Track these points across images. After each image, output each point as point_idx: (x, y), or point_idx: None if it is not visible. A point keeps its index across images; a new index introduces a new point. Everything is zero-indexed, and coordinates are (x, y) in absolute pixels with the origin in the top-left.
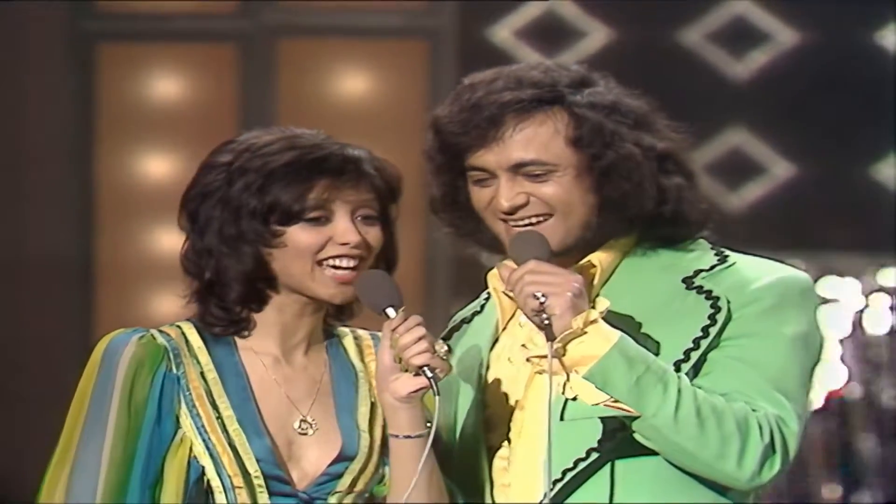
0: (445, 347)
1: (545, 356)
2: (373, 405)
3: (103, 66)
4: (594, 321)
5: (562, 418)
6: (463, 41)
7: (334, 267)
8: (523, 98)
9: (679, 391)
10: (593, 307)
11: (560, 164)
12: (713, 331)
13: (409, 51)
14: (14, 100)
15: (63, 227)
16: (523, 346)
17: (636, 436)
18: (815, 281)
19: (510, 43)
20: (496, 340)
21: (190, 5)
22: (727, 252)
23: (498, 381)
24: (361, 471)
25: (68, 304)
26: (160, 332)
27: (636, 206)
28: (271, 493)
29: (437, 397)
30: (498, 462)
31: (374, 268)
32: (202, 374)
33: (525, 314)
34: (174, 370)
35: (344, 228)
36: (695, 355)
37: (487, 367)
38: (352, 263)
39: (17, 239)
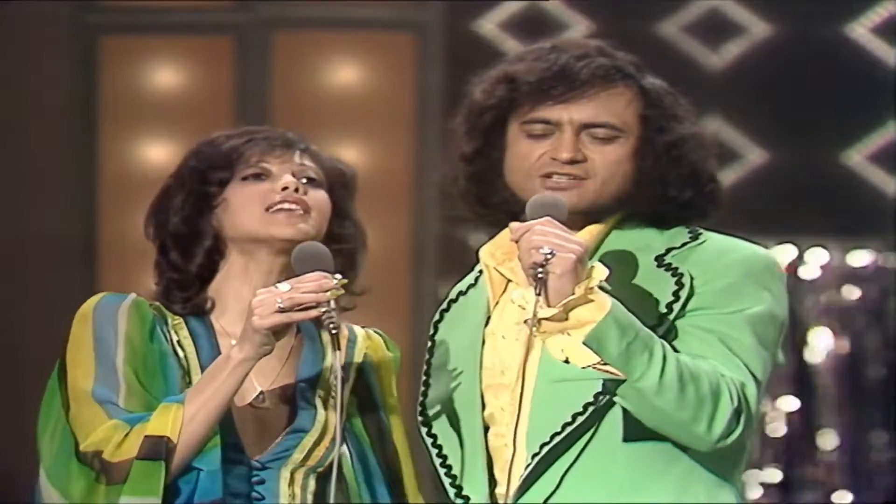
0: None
1: (543, 318)
2: (330, 386)
3: (105, 57)
4: (592, 288)
5: (553, 379)
6: (450, 33)
7: (282, 210)
8: (610, 66)
9: (664, 356)
10: (590, 275)
11: (626, 132)
12: (676, 307)
13: (399, 43)
14: (19, 90)
15: (66, 212)
16: (521, 307)
17: (616, 398)
18: (800, 259)
19: (495, 35)
20: (489, 317)
21: None
22: (701, 231)
23: (492, 359)
24: (315, 445)
25: (71, 289)
26: (141, 299)
27: (678, 189)
28: (226, 460)
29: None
30: (494, 440)
31: (335, 253)
32: (179, 342)
33: (522, 264)
34: (160, 329)
35: (284, 180)
36: (660, 331)
37: (483, 345)
38: (296, 207)
39: (21, 224)
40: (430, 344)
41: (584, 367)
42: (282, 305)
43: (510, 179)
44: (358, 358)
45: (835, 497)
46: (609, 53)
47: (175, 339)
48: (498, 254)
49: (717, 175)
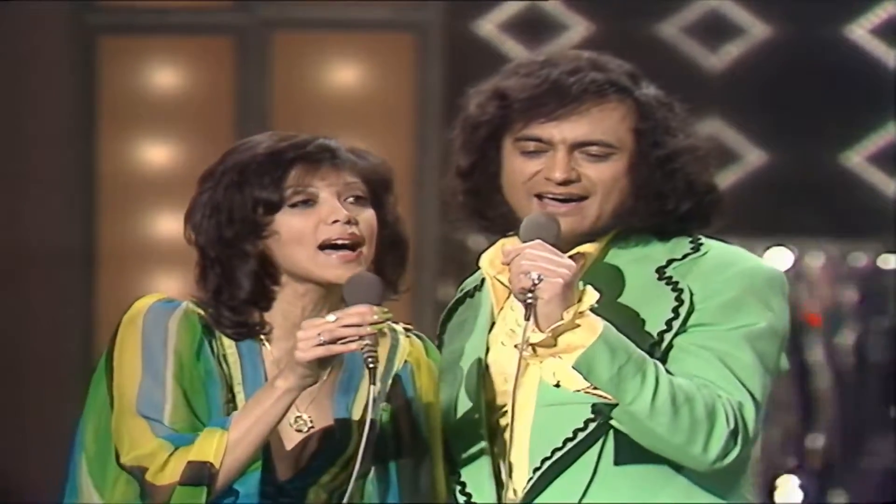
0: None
1: (529, 343)
2: (367, 406)
3: (105, 58)
4: (582, 313)
5: (543, 402)
6: (449, 34)
7: (335, 248)
8: (603, 81)
9: (657, 379)
10: (580, 298)
11: (620, 149)
12: (676, 324)
13: (398, 43)
14: (18, 91)
15: (65, 214)
16: (511, 330)
17: (612, 421)
18: (795, 263)
19: (495, 36)
20: (493, 323)
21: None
22: (702, 240)
23: (495, 365)
24: (348, 462)
25: (70, 290)
26: (192, 307)
27: (675, 201)
28: (260, 481)
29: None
30: (500, 443)
31: (381, 256)
32: (224, 356)
33: (512, 289)
34: (207, 345)
35: (330, 207)
36: (659, 349)
37: (487, 351)
38: (349, 242)
39: (19, 227)
40: (437, 344)
41: (575, 392)
42: (322, 339)
43: (507, 195)
44: (398, 364)
45: (831, 496)
46: (602, 66)
47: (221, 353)
48: (497, 262)
49: (716, 185)
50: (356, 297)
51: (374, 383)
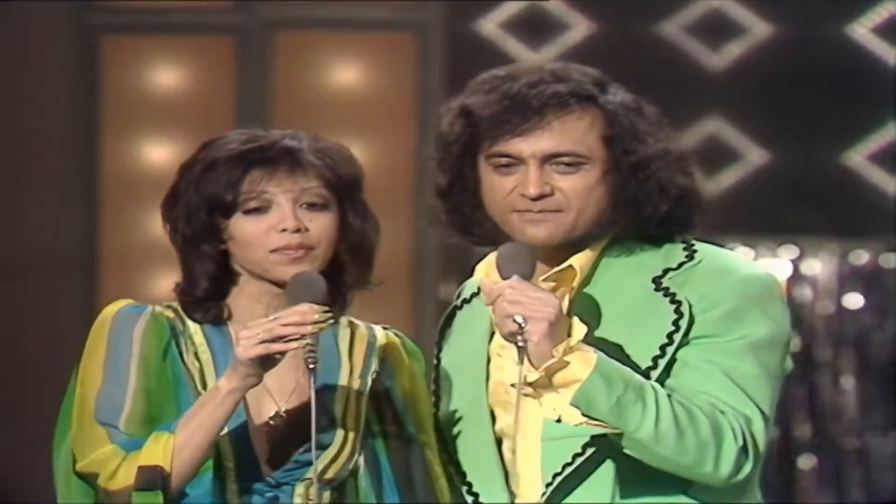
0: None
1: (526, 383)
2: (348, 397)
3: (106, 57)
4: (573, 347)
5: (548, 436)
6: (450, 33)
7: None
8: (566, 92)
9: (657, 404)
10: (569, 332)
11: (591, 159)
12: (677, 337)
13: (399, 43)
14: (19, 91)
15: (67, 214)
16: (500, 348)
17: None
18: (796, 263)
19: (496, 35)
20: (493, 333)
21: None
22: (696, 246)
23: (497, 375)
24: (333, 460)
25: (71, 291)
26: (160, 310)
27: (652, 206)
28: (241, 477)
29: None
30: (507, 454)
31: (342, 256)
32: (196, 353)
33: (500, 332)
34: (175, 347)
35: (281, 215)
36: (662, 362)
37: (488, 360)
38: (299, 250)
39: (20, 227)
40: (437, 350)
41: (576, 425)
42: (262, 336)
43: (489, 211)
44: (376, 361)
45: (832, 496)
46: (564, 77)
47: (193, 350)
48: (493, 274)
49: (692, 187)
50: (298, 297)
51: (315, 384)
